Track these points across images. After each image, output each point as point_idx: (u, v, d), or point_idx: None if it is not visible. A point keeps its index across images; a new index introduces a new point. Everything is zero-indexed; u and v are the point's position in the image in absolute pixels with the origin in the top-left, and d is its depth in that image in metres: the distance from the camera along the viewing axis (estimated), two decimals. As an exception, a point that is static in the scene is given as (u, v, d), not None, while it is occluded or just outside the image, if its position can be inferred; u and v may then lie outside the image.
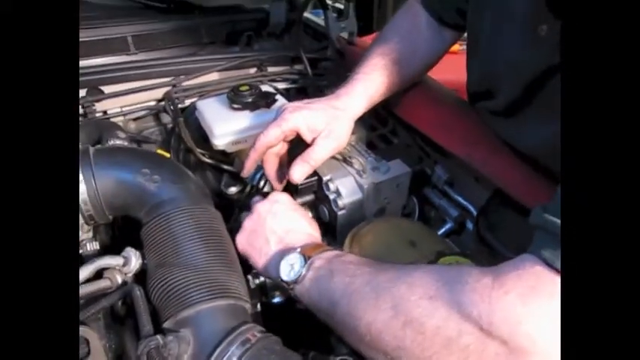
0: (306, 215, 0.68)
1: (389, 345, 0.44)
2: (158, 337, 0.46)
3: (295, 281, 0.55)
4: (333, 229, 0.73)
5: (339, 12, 3.86)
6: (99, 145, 0.68)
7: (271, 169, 0.73)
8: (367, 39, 1.97)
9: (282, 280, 0.57)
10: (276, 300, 0.73)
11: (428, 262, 0.52)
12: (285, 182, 0.74)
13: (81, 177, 0.57)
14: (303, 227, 0.65)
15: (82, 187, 0.57)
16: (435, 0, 0.87)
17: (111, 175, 0.59)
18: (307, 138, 0.70)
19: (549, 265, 0.38)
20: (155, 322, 0.51)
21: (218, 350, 0.46)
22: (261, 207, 0.66)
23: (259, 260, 0.62)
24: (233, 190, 0.93)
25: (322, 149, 0.69)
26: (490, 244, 0.66)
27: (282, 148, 0.74)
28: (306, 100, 0.74)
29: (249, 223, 0.66)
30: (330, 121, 0.70)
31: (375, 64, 0.81)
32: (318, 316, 0.54)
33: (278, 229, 0.63)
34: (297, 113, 0.70)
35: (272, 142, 0.70)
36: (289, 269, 0.57)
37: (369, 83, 0.79)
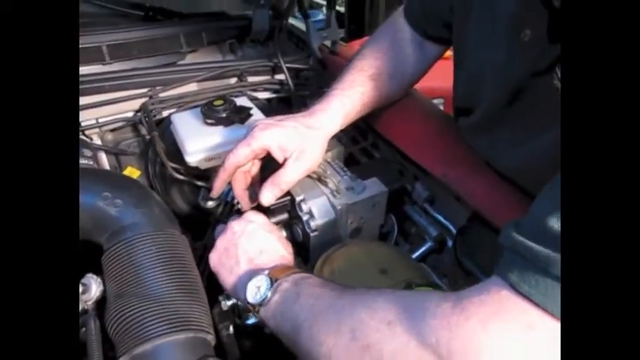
0: (281, 237, 0.66)
1: None
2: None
3: (261, 304, 0.54)
4: (307, 250, 0.71)
5: (338, 14, 3.83)
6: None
7: (240, 188, 0.71)
8: (357, 43, 1.96)
9: (248, 302, 0.55)
10: (250, 322, 0.71)
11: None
12: (255, 203, 0.72)
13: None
14: (275, 249, 0.63)
15: (39, 213, 0.55)
16: (419, 13, 0.84)
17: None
18: (278, 158, 0.68)
19: (515, 289, 0.37)
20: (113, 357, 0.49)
21: (173, 389, 0.44)
22: (236, 226, 0.64)
23: (228, 280, 0.61)
24: (211, 203, 0.90)
25: (293, 172, 0.67)
26: (467, 268, 0.64)
27: (254, 166, 0.72)
28: (278, 117, 0.72)
29: (222, 241, 0.64)
30: (303, 141, 0.68)
31: (354, 80, 0.79)
32: (283, 341, 0.52)
33: (250, 249, 0.62)
34: (268, 131, 0.67)
35: (241, 161, 0.67)
36: (255, 291, 0.55)
37: (346, 99, 0.76)
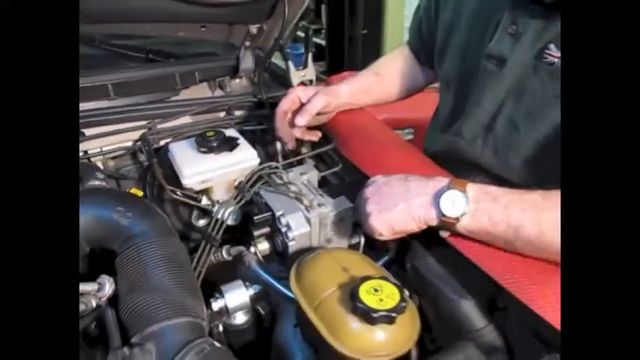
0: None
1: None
2: (125, 349, 0.56)
3: (461, 215, 0.66)
4: (286, 257, 0.84)
5: (319, 48, 4.06)
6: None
7: (285, 129, 1.05)
8: (335, 78, 2.13)
9: (445, 216, 0.67)
10: (237, 322, 0.83)
11: (354, 285, 0.63)
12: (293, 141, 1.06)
13: (64, 214, 0.68)
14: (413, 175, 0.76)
15: (65, 223, 0.68)
16: (416, 40, 1.16)
17: (90, 213, 0.69)
18: (304, 99, 1.03)
19: None
20: (126, 341, 0.61)
21: (176, 358, 0.56)
22: (376, 181, 0.77)
23: (398, 211, 0.70)
24: (202, 222, 1.03)
25: (315, 104, 1.00)
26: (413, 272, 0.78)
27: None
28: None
29: (371, 192, 0.75)
30: (321, 90, 1.04)
31: (365, 74, 1.16)
32: (493, 242, 0.68)
33: (401, 181, 0.74)
34: (299, 88, 1.05)
35: (285, 108, 1.03)
36: (451, 206, 0.67)
37: (358, 81, 1.14)
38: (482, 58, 0.90)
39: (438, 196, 0.68)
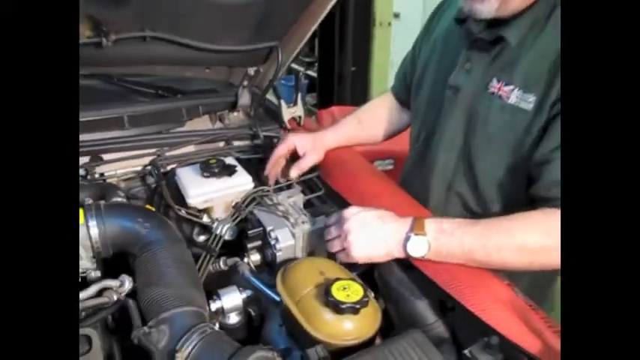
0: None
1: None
2: (145, 327, 0.71)
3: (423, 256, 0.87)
4: (274, 266, 1.00)
5: (312, 80, 4.27)
6: (103, 201, 0.94)
7: (274, 172, 1.22)
8: (325, 112, 2.32)
9: (414, 258, 0.88)
10: (231, 321, 0.97)
11: (327, 284, 0.78)
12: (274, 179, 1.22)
13: (94, 223, 0.84)
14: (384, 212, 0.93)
15: (95, 231, 0.84)
16: (398, 84, 1.36)
17: (115, 223, 0.85)
18: (300, 151, 1.19)
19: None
20: (144, 324, 0.76)
21: (184, 337, 0.71)
22: (355, 216, 0.92)
23: (378, 248, 0.89)
24: (202, 238, 1.18)
25: (309, 160, 1.18)
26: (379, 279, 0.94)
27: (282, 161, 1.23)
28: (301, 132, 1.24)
29: (351, 227, 0.90)
30: (314, 143, 1.21)
31: (348, 122, 1.34)
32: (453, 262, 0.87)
33: (381, 223, 0.91)
34: (296, 136, 1.22)
35: (281, 153, 1.20)
36: (416, 249, 0.87)
37: (340, 131, 1.30)
38: (446, 88, 1.11)
39: (405, 240, 0.88)
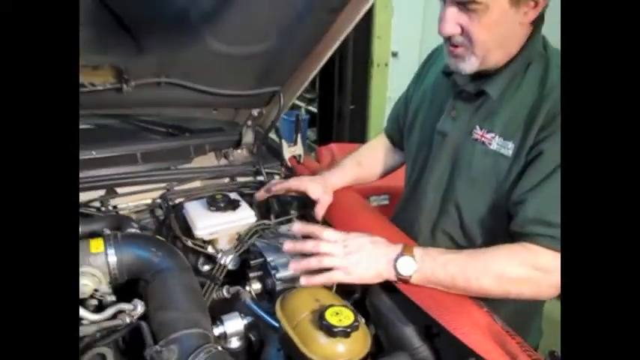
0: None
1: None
2: (156, 346, 0.79)
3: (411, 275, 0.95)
4: (274, 294, 1.08)
5: (312, 115, 4.40)
6: (120, 232, 1.03)
7: (271, 192, 1.31)
8: (325, 148, 2.43)
9: (401, 276, 0.96)
10: (233, 346, 1.05)
11: (322, 310, 0.86)
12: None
13: (112, 252, 0.93)
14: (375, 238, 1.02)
15: (113, 259, 0.92)
16: (390, 126, 1.47)
17: (131, 252, 0.94)
18: (312, 196, 1.26)
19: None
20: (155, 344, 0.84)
21: (192, 356, 0.79)
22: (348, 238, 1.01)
23: (370, 269, 0.97)
24: (206, 268, 1.26)
25: (324, 205, 1.26)
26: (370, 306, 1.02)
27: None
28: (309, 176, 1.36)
29: (346, 250, 0.98)
30: (324, 186, 1.28)
31: (347, 164, 1.45)
32: (438, 288, 0.96)
33: (373, 247, 0.99)
34: (310, 182, 1.28)
35: (291, 188, 1.28)
36: (405, 269, 0.95)
37: (340, 174, 1.41)
38: (434, 133, 1.21)
39: (395, 260, 0.97)
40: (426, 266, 0.95)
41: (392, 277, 0.97)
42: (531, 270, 0.94)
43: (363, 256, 0.98)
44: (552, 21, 1.03)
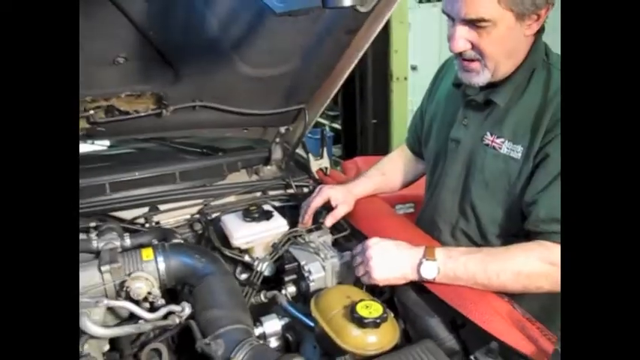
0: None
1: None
2: (206, 340, 0.88)
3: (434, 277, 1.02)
4: (307, 295, 1.16)
5: (337, 132, 4.50)
6: (166, 242, 1.14)
7: (310, 220, 1.37)
8: (350, 162, 2.52)
9: (426, 279, 1.03)
10: (272, 345, 1.12)
11: (353, 304, 0.94)
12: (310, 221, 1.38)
13: (162, 259, 1.03)
14: (400, 243, 1.09)
15: (162, 266, 1.03)
16: (412, 140, 1.54)
17: (178, 259, 1.04)
18: (333, 203, 1.34)
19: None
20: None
21: (237, 348, 0.87)
22: (376, 245, 1.08)
23: (396, 271, 1.05)
24: (244, 276, 1.34)
25: (341, 210, 1.34)
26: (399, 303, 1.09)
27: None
28: (332, 184, 1.40)
29: (373, 254, 1.05)
30: (346, 195, 1.37)
31: (372, 174, 1.53)
32: (457, 283, 1.02)
33: (397, 251, 1.08)
34: (331, 189, 1.38)
35: (318, 204, 1.35)
36: (428, 272, 1.02)
37: (366, 183, 1.48)
38: (449, 141, 1.29)
39: (419, 265, 1.04)
40: (448, 268, 1.02)
41: (415, 278, 1.05)
42: (548, 265, 1.00)
43: (386, 260, 1.05)
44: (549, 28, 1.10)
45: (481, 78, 1.12)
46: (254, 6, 1.03)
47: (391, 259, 1.06)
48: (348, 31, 1.22)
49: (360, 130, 3.61)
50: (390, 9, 1.20)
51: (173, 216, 1.45)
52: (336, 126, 4.48)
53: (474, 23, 1.02)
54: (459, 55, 1.11)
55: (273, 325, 1.07)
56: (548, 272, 1.00)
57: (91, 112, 1.22)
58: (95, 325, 0.86)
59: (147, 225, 1.39)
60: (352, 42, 1.30)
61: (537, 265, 1.01)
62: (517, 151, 1.11)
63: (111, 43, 1.03)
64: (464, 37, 1.05)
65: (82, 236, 1.17)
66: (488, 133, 1.17)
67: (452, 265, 1.02)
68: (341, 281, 1.19)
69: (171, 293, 1.13)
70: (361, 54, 1.36)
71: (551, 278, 1.00)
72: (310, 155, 1.63)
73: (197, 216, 1.47)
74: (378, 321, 0.90)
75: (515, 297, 1.02)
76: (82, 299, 0.90)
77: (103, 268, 0.98)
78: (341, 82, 1.50)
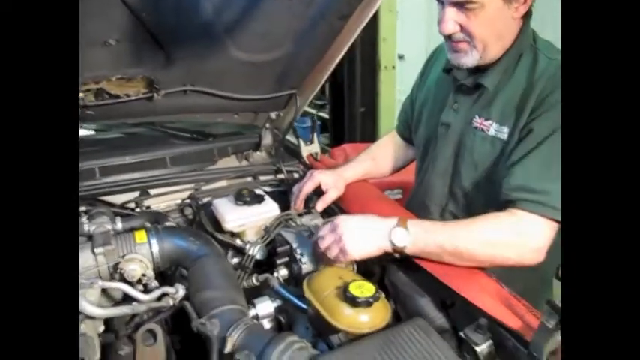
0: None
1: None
2: (201, 319, 0.89)
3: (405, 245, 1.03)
4: (299, 277, 1.17)
5: (324, 121, 4.52)
6: (159, 225, 1.14)
7: (302, 205, 1.37)
8: (338, 149, 2.53)
9: (396, 245, 1.03)
10: (265, 327, 1.14)
11: (345, 284, 0.96)
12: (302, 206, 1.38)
13: (155, 241, 1.03)
14: (369, 216, 1.10)
15: (156, 248, 1.03)
16: (401, 124, 1.56)
17: (171, 242, 1.05)
18: (324, 188, 1.35)
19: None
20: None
21: (232, 327, 0.88)
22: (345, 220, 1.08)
23: (367, 241, 1.05)
24: (235, 260, 1.35)
25: (332, 195, 1.35)
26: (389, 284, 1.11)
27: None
28: (323, 169, 1.40)
29: (344, 228, 1.05)
30: (336, 180, 1.38)
31: (362, 159, 1.52)
32: (428, 257, 1.04)
33: (369, 222, 1.08)
34: (322, 174, 1.38)
35: (309, 189, 1.35)
36: (399, 239, 1.03)
37: (356, 166, 1.49)
38: (439, 125, 1.31)
39: (390, 232, 1.05)
40: (419, 237, 1.04)
41: (389, 248, 1.05)
42: (515, 235, 1.03)
43: (358, 233, 1.05)
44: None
45: (470, 59, 1.14)
46: (249, -12, 1.03)
47: (363, 232, 1.06)
48: (341, 17, 1.23)
49: (348, 119, 3.62)
50: (381, -5, 1.21)
51: (164, 200, 1.45)
52: (323, 115, 4.48)
53: (462, 5, 1.05)
54: (449, 38, 1.14)
55: (265, 307, 1.09)
56: (515, 242, 1.03)
57: (81, 94, 1.21)
58: (91, 305, 0.87)
59: (137, 210, 1.39)
60: (344, 28, 1.31)
61: (505, 233, 1.03)
62: (503, 132, 1.14)
63: (102, 24, 1.02)
64: (453, 19, 1.08)
65: (72, 220, 1.17)
66: (477, 116, 1.20)
67: (422, 235, 1.03)
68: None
69: (162, 276, 1.13)
70: (352, 40, 1.37)
71: (518, 248, 1.03)
72: (301, 141, 1.63)
73: (188, 201, 1.47)
74: (370, 300, 0.91)
75: (500, 278, 1.05)
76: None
77: (96, 250, 0.98)
78: (331, 68, 1.51)
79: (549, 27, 1.23)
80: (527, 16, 1.13)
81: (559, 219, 1.01)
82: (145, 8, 1.01)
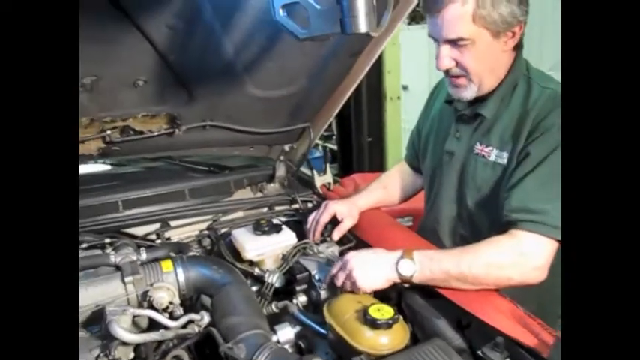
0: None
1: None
2: (228, 344, 0.93)
3: (412, 275, 1.08)
4: (318, 303, 1.21)
5: (332, 152, 4.58)
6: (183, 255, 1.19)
7: (318, 232, 1.41)
8: (348, 179, 2.58)
9: (403, 276, 1.09)
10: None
11: (365, 307, 0.99)
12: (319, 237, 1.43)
13: (181, 270, 1.08)
14: (377, 250, 1.16)
15: (182, 277, 1.08)
16: (409, 153, 1.63)
17: (196, 270, 1.10)
18: (339, 217, 1.40)
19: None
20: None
21: (258, 351, 0.92)
22: (355, 256, 1.14)
23: (370, 273, 1.09)
24: (254, 289, 1.39)
25: (347, 224, 1.41)
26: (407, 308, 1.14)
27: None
28: (338, 200, 1.46)
29: (354, 264, 1.10)
30: (350, 209, 1.43)
31: (374, 188, 1.61)
32: (434, 283, 1.09)
33: (367, 255, 1.14)
34: (336, 205, 1.44)
35: (326, 220, 1.41)
36: (406, 269, 1.08)
37: (369, 196, 1.56)
38: (443, 154, 1.38)
39: (396, 264, 1.10)
40: (425, 265, 1.09)
41: (397, 279, 1.11)
42: (517, 255, 1.08)
43: (367, 267, 1.11)
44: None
45: (469, 92, 1.22)
46: (267, 31, 1.11)
47: (372, 265, 1.12)
48: (353, 54, 1.31)
49: (356, 149, 3.70)
50: (390, 33, 1.29)
51: (183, 232, 1.50)
52: (331, 145, 4.57)
53: (455, 42, 1.14)
54: (447, 73, 1.22)
55: (286, 333, 1.11)
56: (517, 262, 1.08)
57: (109, 132, 1.29)
58: (125, 331, 0.91)
59: (158, 241, 1.44)
60: (354, 64, 1.38)
61: (507, 255, 1.08)
62: (503, 157, 1.21)
63: (133, 67, 1.10)
64: (448, 55, 1.17)
65: (99, 251, 1.22)
66: (478, 144, 1.27)
67: (428, 263, 1.09)
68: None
69: (182, 305, 1.17)
70: (362, 75, 1.45)
71: (520, 268, 1.08)
72: (314, 172, 1.69)
73: (206, 232, 1.52)
74: (390, 322, 0.95)
75: (514, 298, 1.08)
76: (110, 307, 0.95)
77: (126, 279, 1.03)
78: (343, 102, 1.58)
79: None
80: (518, 47, 1.21)
81: (559, 237, 1.06)
82: (172, 51, 1.09)
